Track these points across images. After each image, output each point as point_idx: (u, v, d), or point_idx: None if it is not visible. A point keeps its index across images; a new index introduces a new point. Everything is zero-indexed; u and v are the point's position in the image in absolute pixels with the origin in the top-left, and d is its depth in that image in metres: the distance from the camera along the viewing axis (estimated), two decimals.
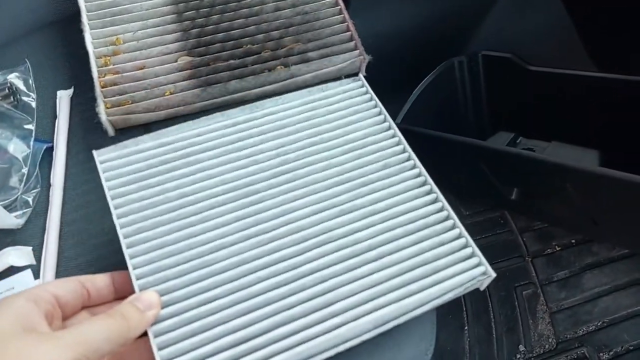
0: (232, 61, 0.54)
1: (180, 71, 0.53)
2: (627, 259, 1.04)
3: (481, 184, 0.84)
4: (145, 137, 0.47)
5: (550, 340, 0.98)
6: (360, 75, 0.55)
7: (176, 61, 0.53)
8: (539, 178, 0.72)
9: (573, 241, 1.07)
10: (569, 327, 1.00)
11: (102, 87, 0.51)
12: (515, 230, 1.08)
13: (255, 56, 0.54)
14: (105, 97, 0.51)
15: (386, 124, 0.50)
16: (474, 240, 0.43)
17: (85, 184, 0.51)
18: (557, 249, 1.07)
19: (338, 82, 0.54)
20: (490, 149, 0.73)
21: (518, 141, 0.87)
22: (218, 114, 0.49)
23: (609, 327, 0.99)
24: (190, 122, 0.48)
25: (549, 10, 0.99)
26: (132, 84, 0.52)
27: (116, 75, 0.52)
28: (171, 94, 0.52)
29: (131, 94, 0.51)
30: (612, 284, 1.03)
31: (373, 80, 0.56)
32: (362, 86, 0.54)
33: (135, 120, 0.51)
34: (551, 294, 1.03)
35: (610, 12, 0.86)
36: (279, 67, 0.54)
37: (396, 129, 0.50)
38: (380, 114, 0.51)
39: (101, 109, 0.50)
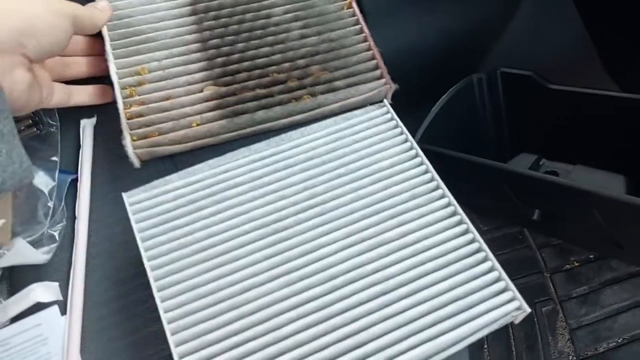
0: (258, 91, 0.53)
1: (206, 101, 0.52)
2: None
3: (502, 204, 0.83)
4: (174, 176, 0.46)
5: (570, 357, 0.97)
6: (385, 102, 0.54)
7: (202, 91, 0.53)
8: (563, 202, 0.71)
9: (592, 257, 1.07)
10: (589, 344, 0.99)
11: (128, 119, 0.51)
12: (533, 246, 1.08)
13: (281, 85, 0.54)
14: (131, 129, 0.50)
15: (413, 152, 0.50)
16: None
17: (110, 216, 0.50)
18: (576, 264, 1.06)
19: (363, 110, 0.53)
20: (514, 173, 0.72)
21: (541, 163, 0.86)
22: (244, 149, 0.49)
23: (629, 343, 0.98)
24: (216, 159, 0.48)
25: (568, 27, 0.98)
26: (158, 115, 0.51)
27: (142, 107, 0.52)
28: (198, 125, 0.51)
29: (158, 126, 0.51)
30: (632, 300, 1.02)
31: (393, 95, 0.56)
32: (387, 112, 0.53)
33: (161, 152, 0.51)
34: (571, 310, 1.02)
35: (628, 30, 0.85)
36: (305, 96, 0.54)
37: (423, 156, 0.49)
38: (406, 141, 0.51)
39: (127, 141, 0.50)
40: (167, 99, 0.52)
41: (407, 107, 0.61)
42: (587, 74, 0.95)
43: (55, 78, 0.51)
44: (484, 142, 0.96)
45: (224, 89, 0.53)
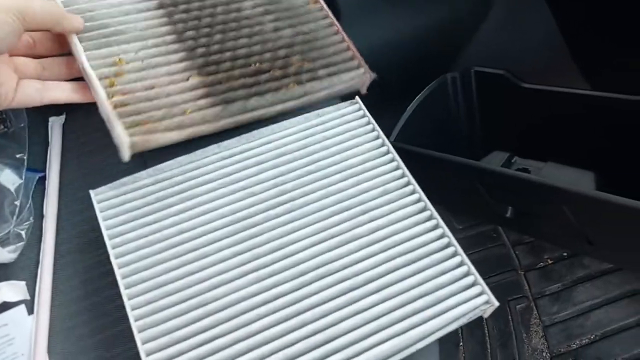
0: (245, 79, 0.52)
1: (194, 89, 0.50)
2: (618, 272, 1.05)
3: (476, 202, 0.84)
4: (143, 173, 0.46)
5: (544, 354, 0.98)
6: (357, 98, 0.54)
7: (187, 80, 0.51)
8: (534, 199, 0.72)
9: (565, 254, 1.08)
10: (562, 340, 1.00)
11: (114, 109, 0.47)
12: (507, 243, 1.09)
13: (267, 74, 0.53)
14: (120, 118, 0.47)
15: (384, 148, 0.50)
16: (467, 255, 0.43)
17: (78, 214, 0.50)
18: (549, 262, 1.08)
19: (335, 107, 0.53)
20: (486, 170, 0.73)
21: (513, 160, 0.87)
22: (214, 145, 0.49)
23: (601, 340, 0.99)
24: (186, 156, 0.48)
25: (541, 26, 0.99)
26: (145, 104, 0.48)
27: (126, 96, 0.48)
28: (191, 112, 0.49)
29: (148, 114, 0.48)
30: (604, 297, 1.04)
31: (367, 93, 0.56)
32: (359, 109, 0.53)
33: (155, 141, 0.47)
34: (544, 308, 1.03)
35: (601, 30, 0.86)
36: (292, 84, 0.53)
37: (394, 152, 0.50)
38: (377, 137, 0.51)
39: (119, 130, 0.45)
40: (152, 87, 0.50)
41: (381, 106, 0.61)
42: (560, 73, 0.96)
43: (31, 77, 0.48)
44: (457, 140, 0.96)
45: (210, 77, 0.51)
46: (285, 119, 0.52)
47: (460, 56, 1.07)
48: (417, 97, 0.91)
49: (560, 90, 0.80)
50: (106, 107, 0.47)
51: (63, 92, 0.48)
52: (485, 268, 1.04)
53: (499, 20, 1.13)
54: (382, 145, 0.50)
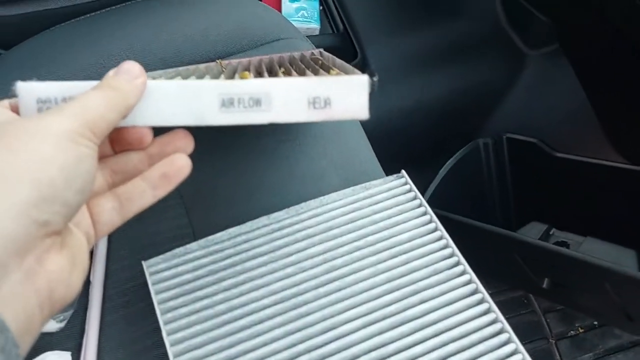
0: None
1: None
2: None
3: (511, 270, 0.83)
4: (194, 245, 0.46)
5: None
6: (403, 172, 0.54)
7: None
8: (574, 274, 0.71)
9: (595, 323, 1.06)
10: None
11: None
12: (538, 310, 1.07)
13: None
14: None
15: (432, 225, 0.50)
16: None
17: (126, 283, 0.50)
18: (581, 330, 1.05)
19: (381, 180, 0.53)
20: (525, 242, 0.72)
21: (551, 233, 0.86)
22: (264, 217, 0.49)
23: None
24: (236, 228, 0.48)
25: (571, 92, 1.00)
26: None
27: None
28: None
29: None
30: None
31: (398, 153, 0.56)
32: (406, 183, 0.53)
33: None
34: None
35: (631, 104, 0.87)
36: None
37: (443, 229, 0.49)
38: (425, 213, 0.51)
39: None
40: None
41: (412, 166, 0.61)
42: (591, 140, 0.96)
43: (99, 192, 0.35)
44: (489, 206, 0.96)
45: None
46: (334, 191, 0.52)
47: (490, 120, 1.08)
48: (449, 162, 0.91)
49: (594, 162, 0.80)
50: None
51: (145, 197, 0.34)
52: (516, 336, 1.02)
53: (529, 86, 1.14)
54: (430, 221, 0.50)
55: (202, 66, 0.55)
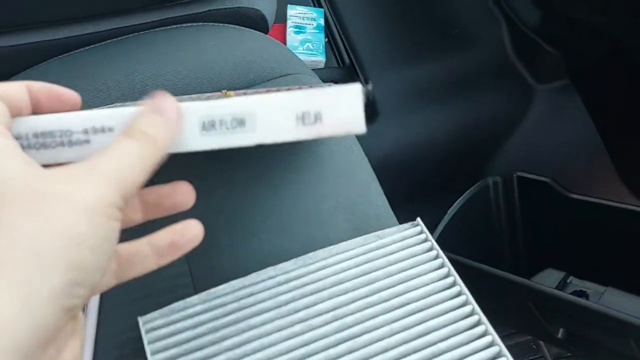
0: None
1: None
2: None
3: (524, 318, 0.79)
4: (194, 298, 0.42)
5: None
6: (419, 220, 0.51)
7: None
8: (595, 327, 0.67)
9: None
10: None
11: None
12: (548, 357, 1.02)
13: None
14: None
15: (450, 279, 0.47)
16: None
17: (120, 334, 0.46)
18: None
19: (395, 228, 0.50)
20: (542, 292, 0.69)
21: (569, 281, 0.82)
22: (270, 268, 0.45)
23: None
24: (240, 280, 0.44)
25: (582, 127, 0.98)
26: None
27: None
28: None
29: None
30: None
31: (403, 188, 0.54)
32: (421, 232, 0.50)
33: None
34: None
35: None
36: None
37: (462, 285, 0.46)
38: (442, 266, 0.48)
39: None
40: None
41: (417, 202, 0.58)
42: (607, 179, 0.94)
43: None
44: (498, 248, 0.92)
45: None
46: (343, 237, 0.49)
47: (498, 156, 1.05)
48: (457, 201, 0.88)
49: (613, 204, 0.76)
50: None
51: (146, 263, 0.30)
52: None
53: (539, 121, 1.11)
54: (448, 275, 0.47)
55: (204, 96, 0.53)
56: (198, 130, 0.29)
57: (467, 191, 0.89)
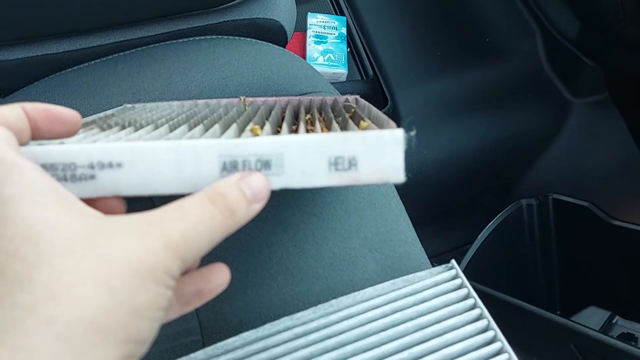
0: None
1: None
2: None
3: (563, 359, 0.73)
4: (200, 353, 0.37)
5: None
6: (453, 262, 0.45)
7: None
8: None
9: None
10: None
11: None
12: None
13: None
14: None
15: (491, 333, 0.41)
16: None
17: None
18: None
19: (427, 272, 0.45)
20: (585, 335, 0.62)
21: (614, 321, 0.75)
22: (286, 318, 0.40)
23: None
24: (252, 332, 0.39)
25: (620, 147, 0.92)
26: None
27: None
28: None
29: None
30: None
31: (428, 208, 0.48)
32: (456, 277, 0.45)
33: None
34: None
35: None
36: None
37: (504, 341, 0.40)
38: (481, 317, 0.42)
39: None
40: None
41: (443, 222, 0.53)
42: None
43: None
44: (532, 278, 0.86)
45: None
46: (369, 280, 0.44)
47: (530, 174, 1.00)
48: (488, 225, 0.82)
49: None
50: None
51: (170, 313, 0.29)
52: None
53: (574, 137, 1.06)
54: (488, 328, 0.41)
55: (223, 101, 0.48)
56: (217, 172, 0.26)
57: (499, 215, 0.83)
